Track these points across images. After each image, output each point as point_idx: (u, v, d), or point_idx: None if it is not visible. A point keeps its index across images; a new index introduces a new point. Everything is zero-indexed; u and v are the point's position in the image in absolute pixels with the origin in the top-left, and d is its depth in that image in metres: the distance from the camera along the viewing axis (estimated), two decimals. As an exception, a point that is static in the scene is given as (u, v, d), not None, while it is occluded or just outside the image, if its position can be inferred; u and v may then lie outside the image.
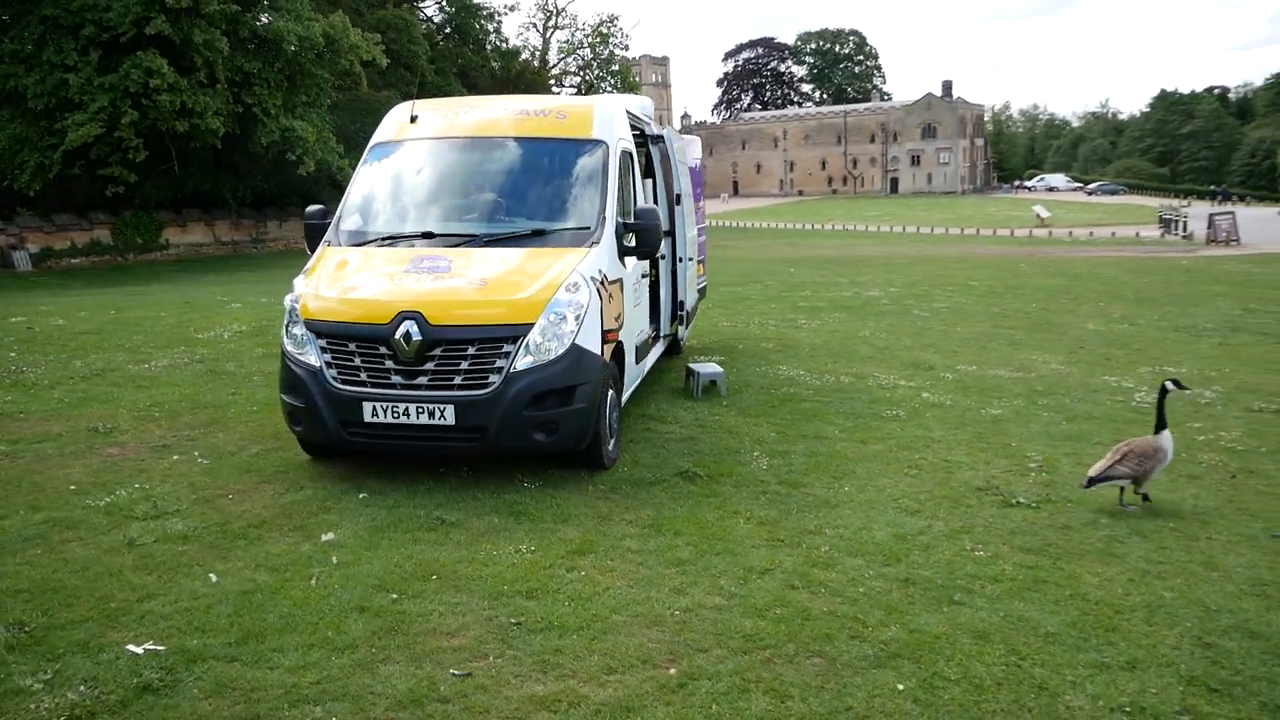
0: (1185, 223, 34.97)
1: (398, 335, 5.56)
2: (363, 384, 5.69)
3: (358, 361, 5.70)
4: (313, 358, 5.79)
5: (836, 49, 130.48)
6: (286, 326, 6.02)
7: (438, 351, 5.58)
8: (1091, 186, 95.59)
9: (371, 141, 7.13)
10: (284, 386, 6.00)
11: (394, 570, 4.52)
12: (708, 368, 8.91)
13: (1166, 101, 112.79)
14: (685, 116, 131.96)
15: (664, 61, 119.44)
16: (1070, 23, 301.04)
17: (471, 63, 47.59)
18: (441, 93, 44.48)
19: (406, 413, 5.59)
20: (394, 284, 5.83)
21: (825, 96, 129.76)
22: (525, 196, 6.75)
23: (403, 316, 5.59)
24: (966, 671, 3.63)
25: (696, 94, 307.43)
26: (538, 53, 62.66)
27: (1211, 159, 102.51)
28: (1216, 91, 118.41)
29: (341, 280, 6.03)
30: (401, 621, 3.98)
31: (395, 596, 4.22)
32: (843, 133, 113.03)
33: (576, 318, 5.77)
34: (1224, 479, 6.17)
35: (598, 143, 6.82)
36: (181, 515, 5.31)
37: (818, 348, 11.53)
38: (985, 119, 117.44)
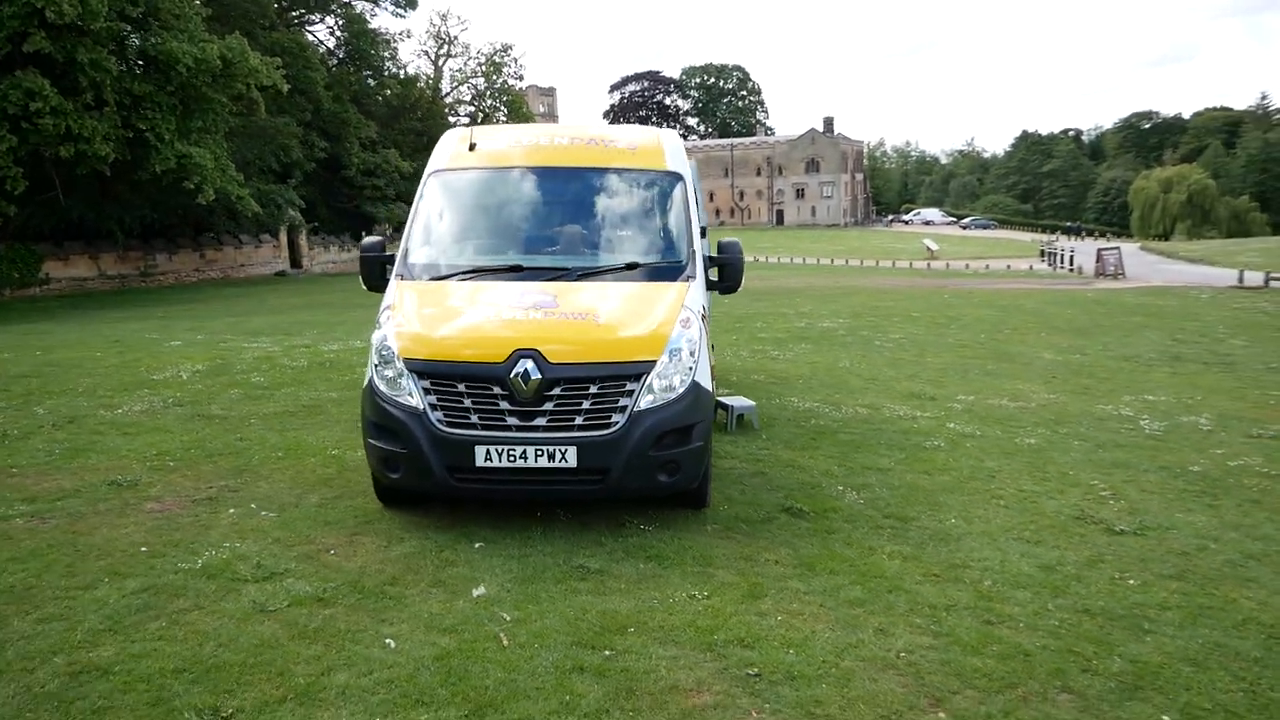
0: (1072, 256, 37.38)
1: (514, 374, 5.29)
2: (473, 426, 5.37)
3: (468, 403, 5.39)
4: (414, 399, 5.44)
5: (720, 84, 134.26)
6: (377, 367, 5.63)
7: (557, 391, 5.33)
8: (965, 221, 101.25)
9: (430, 169, 6.80)
10: (374, 431, 5.61)
11: (579, 624, 4.25)
12: (739, 401, 8.87)
13: (1027, 141, 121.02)
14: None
15: (551, 92, 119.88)
16: (934, 62, 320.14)
17: (367, 89, 46.54)
18: (339, 120, 43.34)
19: (524, 455, 5.31)
20: (502, 320, 5.55)
21: (710, 130, 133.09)
22: (608, 229, 6.59)
23: (519, 355, 5.32)
24: (1214, 699, 3.68)
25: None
26: (430, 80, 61.93)
27: (1069, 196, 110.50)
28: (1072, 133, 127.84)
29: (439, 317, 5.70)
30: (633, 680, 3.74)
31: (609, 653, 3.96)
32: (729, 166, 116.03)
33: (692, 353, 5.64)
34: (1283, 498, 6.54)
35: (675, 175, 6.74)
36: (295, 575, 4.86)
37: (809, 379, 11.66)
38: (863, 154, 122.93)
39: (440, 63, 62.56)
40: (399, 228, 56.50)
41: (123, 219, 34.67)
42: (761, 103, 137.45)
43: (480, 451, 5.32)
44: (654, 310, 5.76)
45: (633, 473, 5.40)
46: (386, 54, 47.45)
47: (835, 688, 3.70)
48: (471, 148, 6.80)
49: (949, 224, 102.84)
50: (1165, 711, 3.59)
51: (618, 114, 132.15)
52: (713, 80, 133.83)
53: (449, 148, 6.89)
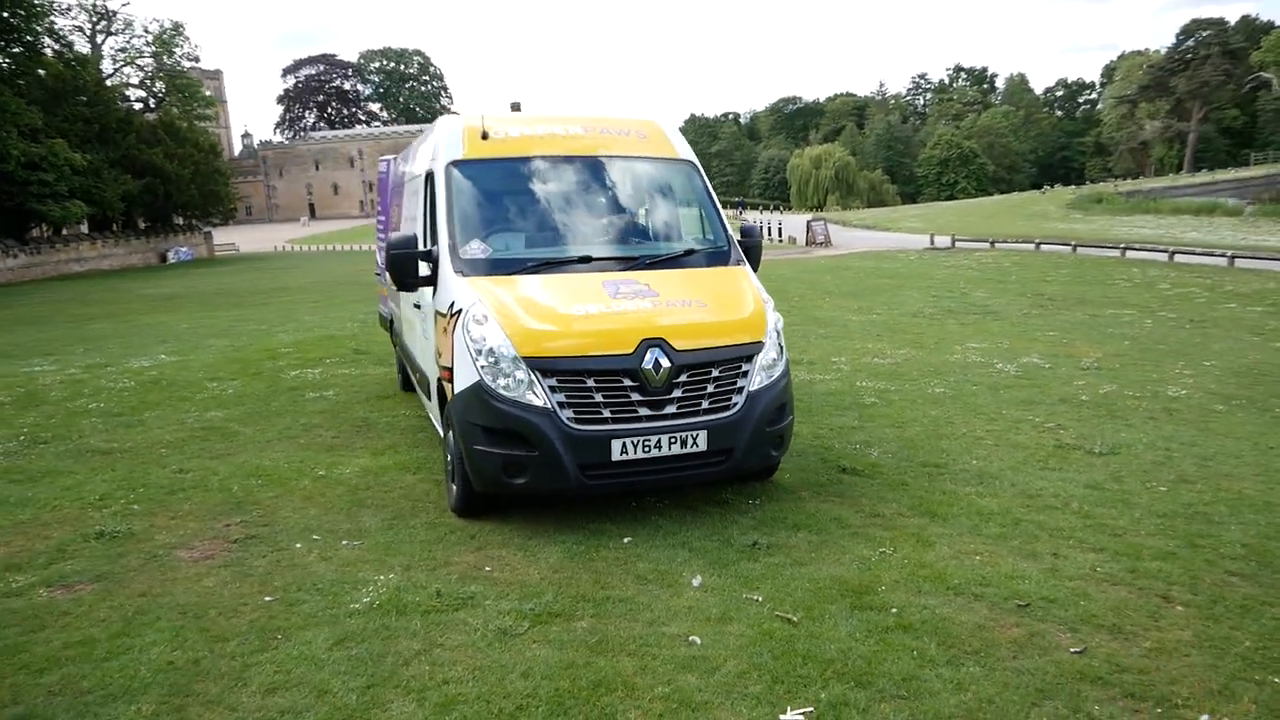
0: (781, 227, 41.33)
1: (646, 364, 5.28)
2: (606, 421, 5.28)
3: (599, 397, 5.28)
4: (539, 399, 5.22)
5: (401, 68, 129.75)
6: (486, 368, 5.28)
7: (683, 378, 5.40)
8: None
9: (443, 159, 6.37)
10: (488, 437, 5.29)
11: (831, 592, 4.45)
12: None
13: (696, 124, 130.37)
14: (246, 135, 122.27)
15: (217, 75, 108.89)
16: (614, 49, 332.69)
17: (25, 67, 39.74)
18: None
19: (659, 444, 5.32)
20: (615, 312, 5.46)
21: (395, 116, 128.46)
22: (653, 216, 6.62)
23: (646, 344, 5.31)
24: (1321, 563, 4.76)
25: (256, 111, 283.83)
26: (86, 60, 54.00)
27: (735, 174, 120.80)
28: (732, 116, 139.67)
29: (545, 313, 5.45)
30: (948, 628, 4.05)
31: (894, 611, 4.22)
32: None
33: (779, 332, 5.95)
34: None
35: (691, 164, 6.91)
36: (487, 596, 4.53)
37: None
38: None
39: (99, 40, 54.74)
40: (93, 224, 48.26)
41: None
42: (446, 89, 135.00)
43: (616, 445, 5.25)
44: (742, 294, 5.97)
45: (752, 451, 5.62)
46: (40, 27, 40.51)
47: (1092, 603, 4.28)
48: (484, 136, 6.48)
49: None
50: (1305, 576, 4.59)
51: (293, 99, 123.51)
52: (393, 65, 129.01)
53: (458, 137, 6.49)
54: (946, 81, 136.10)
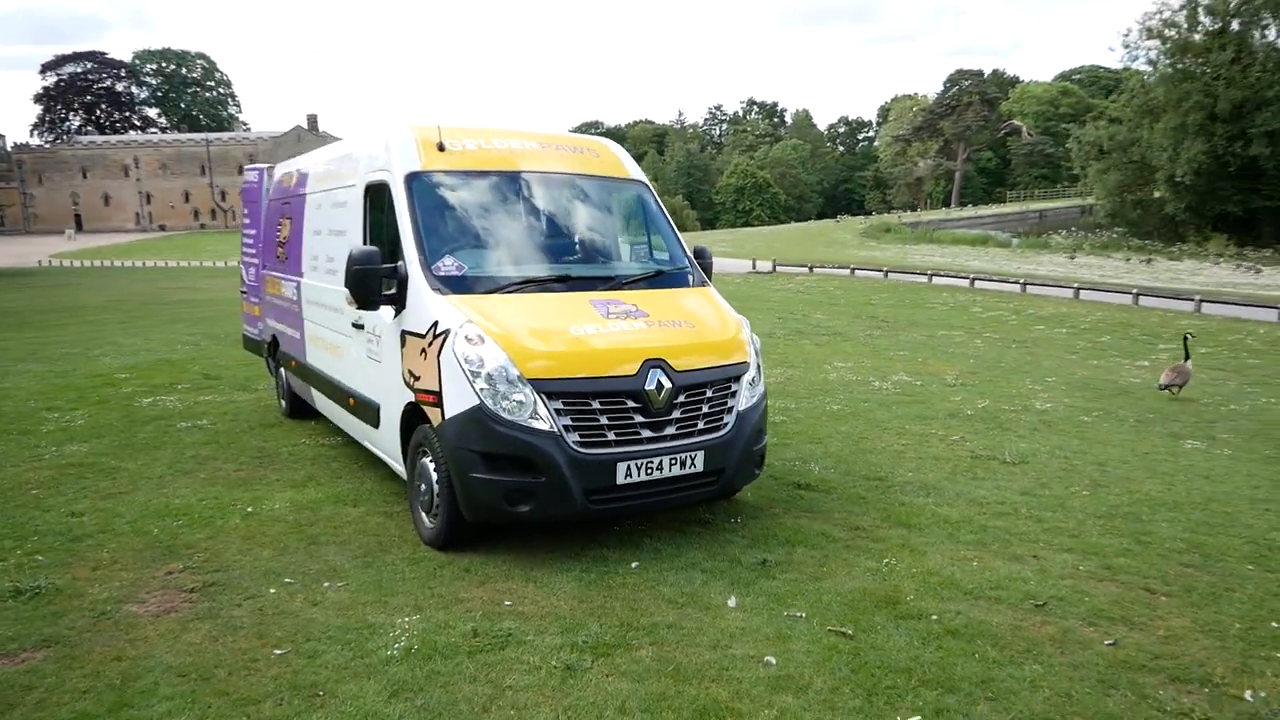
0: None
1: (649, 385, 5.24)
2: (610, 444, 5.19)
3: (604, 420, 5.18)
4: (545, 422, 5.05)
5: (183, 71, 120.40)
6: (486, 390, 5.03)
7: (682, 398, 5.40)
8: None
9: (399, 170, 6.03)
10: (489, 464, 5.05)
11: (862, 605, 4.59)
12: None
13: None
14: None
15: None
16: (408, 57, 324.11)
17: None
18: None
19: (660, 466, 5.30)
20: (612, 332, 5.38)
21: (176, 122, 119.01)
22: (617, 236, 6.57)
23: (649, 365, 5.28)
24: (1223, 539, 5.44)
25: (6, 110, 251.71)
26: None
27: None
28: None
29: (541, 333, 5.26)
30: (987, 630, 4.28)
31: (934, 618, 4.40)
32: (206, 163, 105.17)
33: (758, 351, 6.08)
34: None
35: (643, 184, 6.93)
36: (530, 631, 4.32)
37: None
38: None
39: None
40: None
41: None
42: (234, 96, 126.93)
43: (621, 468, 5.18)
44: (721, 314, 6.05)
45: (741, 470, 5.71)
46: None
47: (1094, 599, 4.68)
48: (441, 148, 6.21)
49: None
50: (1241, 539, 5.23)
51: (54, 98, 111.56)
52: (173, 68, 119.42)
53: (411, 148, 6.17)
54: (741, 113, 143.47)
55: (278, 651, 4.16)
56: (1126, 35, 55.15)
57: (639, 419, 5.26)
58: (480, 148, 6.38)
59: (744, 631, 4.31)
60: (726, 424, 5.61)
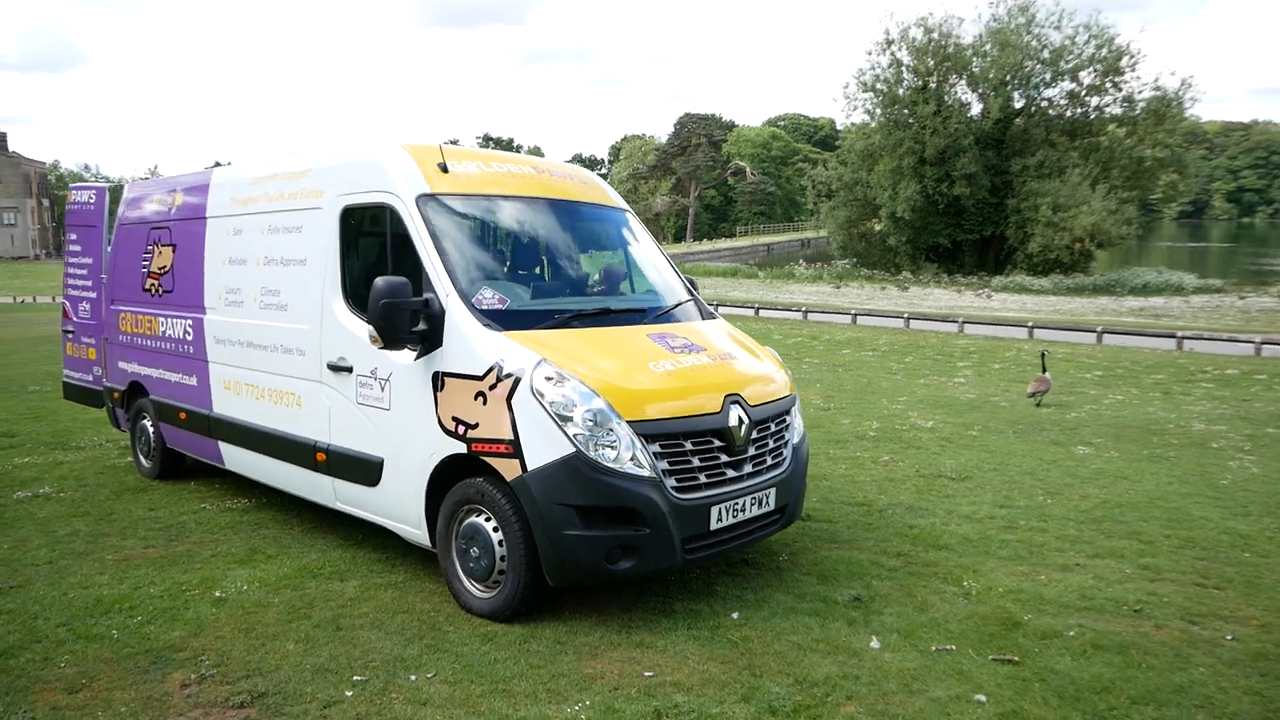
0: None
1: (731, 422, 4.96)
2: (701, 486, 4.83)
3: (696, 461, 4.82)
4: (646, 468, 4.60)
5: None
6: (581, 435, 4.49)
7: (754, 434, 5.16)
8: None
9: (410, 193, 5.27)
10: (587, 521, 4.51)
11: (977, 637, 4.58)
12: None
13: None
14: None
15: None
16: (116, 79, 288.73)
17: None
18: None
19: (743, 508, 5.02)
20: (689, 367, 5.03)
21: None
22: (632, 267, 6.17)
23: (729, 400, 5.01)
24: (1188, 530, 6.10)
25: None
26: None
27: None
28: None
29: (620, 371, 4.79)
30: (1101, 636, 4.43)
31: (1081, 625, 4.48)
32: None
33: (792, 384, 5.97)
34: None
35: (630, 213, 6.62)
36: (711, 702, 3.86)
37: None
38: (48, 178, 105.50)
39: None
40: None
41: None
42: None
43: (715, 513, 4.85)
44: (754, 346, 5.87)
45: (798, 504, 5.55)
46: None
47: (1169, 598, 5.02)
48: (445, 169, 5.55)
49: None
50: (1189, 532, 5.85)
51: None
52: None
53: (414, 167, 5.44)
54: (480, 144, 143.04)
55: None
56: (846, 88, 60.97)
57: (724, 458, 4.95)
58: (482, 171, 5.77)
59: (921, 671, 4.16)
60: (786, 458, 5.44)
